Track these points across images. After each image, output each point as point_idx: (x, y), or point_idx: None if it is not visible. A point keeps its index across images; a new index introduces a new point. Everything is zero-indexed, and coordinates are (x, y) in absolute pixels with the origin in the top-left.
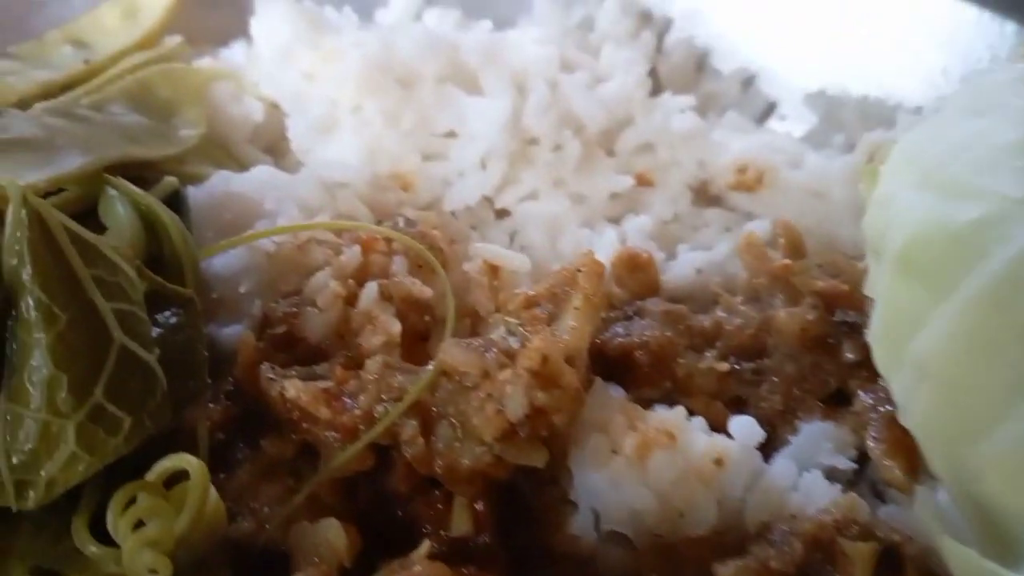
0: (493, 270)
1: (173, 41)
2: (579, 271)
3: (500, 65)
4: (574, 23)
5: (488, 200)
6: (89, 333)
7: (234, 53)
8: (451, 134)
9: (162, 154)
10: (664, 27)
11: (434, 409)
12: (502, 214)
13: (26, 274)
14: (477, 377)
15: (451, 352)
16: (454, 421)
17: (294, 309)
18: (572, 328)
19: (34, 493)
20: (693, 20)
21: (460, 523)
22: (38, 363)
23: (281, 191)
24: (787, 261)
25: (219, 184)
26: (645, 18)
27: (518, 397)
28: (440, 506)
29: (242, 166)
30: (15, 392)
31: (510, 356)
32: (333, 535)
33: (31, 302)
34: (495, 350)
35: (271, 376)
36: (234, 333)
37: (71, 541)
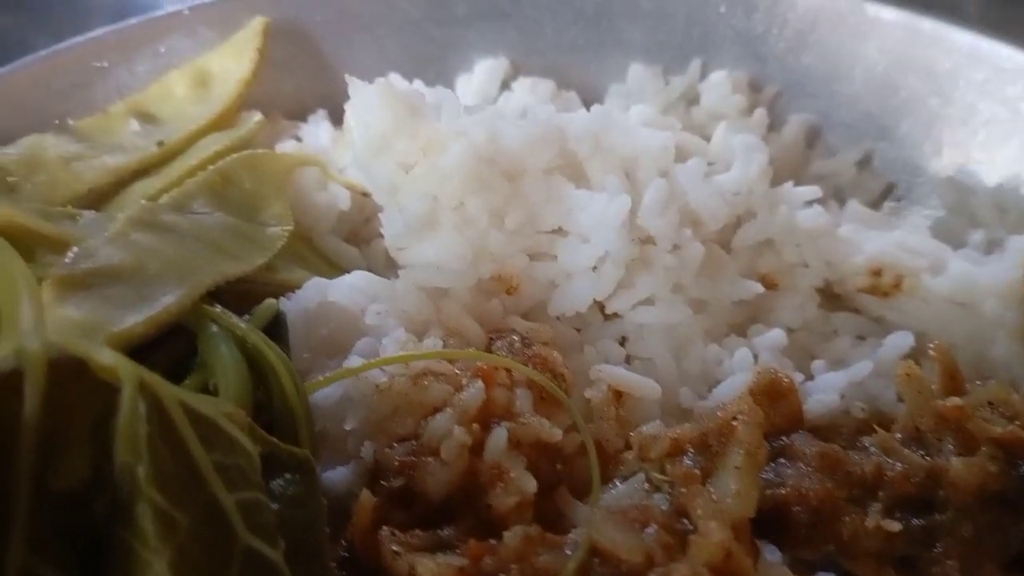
0: (618, 397)
1: (251, 119)
2: (735, 419)
3: (609, 153)
4: (676, 96)
5: (597, 303)
6: (213, 537)
7: (318, 130)
8: (558, 230)
9: (254, 264)
10: (772, 100)
11: None
12: (610, 316)
13: (143, 473)
14: (640, 564)
15: (606, 533)
16: None
17: (412, 458)
18: (737, 494)
19: None
20: (802, 92)
21: None
22: None
23: (381, 302)
24: (959, 402)
25: (313, 296)
26: (754, 91)
27: None
28: None
29: (327, 261)
30: None
31: (671, 531)
32: None
33: (149, 510)
34: (655, 527)
35: (396, 549)
36: (339, 477)
37: None
